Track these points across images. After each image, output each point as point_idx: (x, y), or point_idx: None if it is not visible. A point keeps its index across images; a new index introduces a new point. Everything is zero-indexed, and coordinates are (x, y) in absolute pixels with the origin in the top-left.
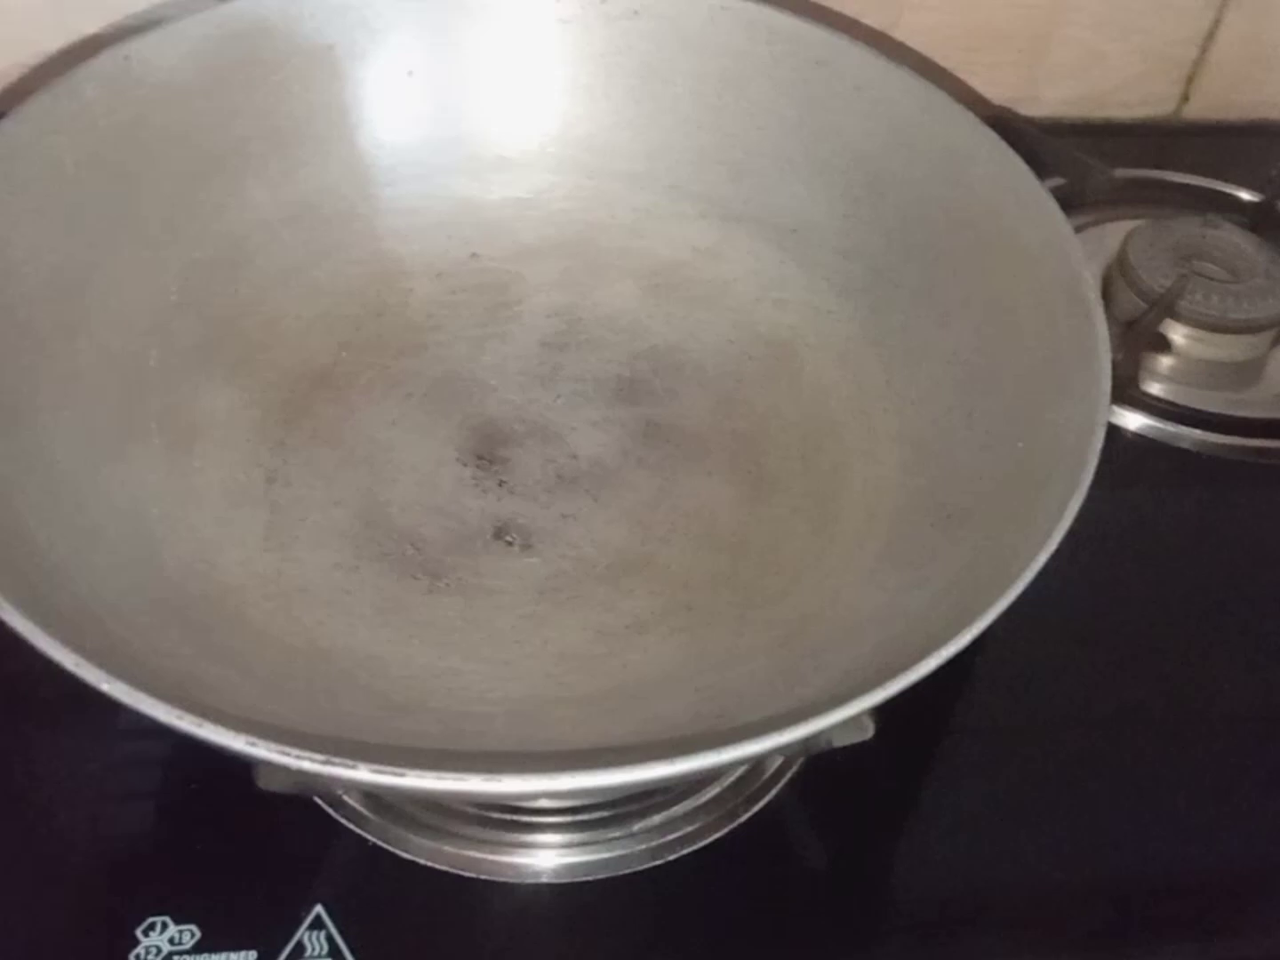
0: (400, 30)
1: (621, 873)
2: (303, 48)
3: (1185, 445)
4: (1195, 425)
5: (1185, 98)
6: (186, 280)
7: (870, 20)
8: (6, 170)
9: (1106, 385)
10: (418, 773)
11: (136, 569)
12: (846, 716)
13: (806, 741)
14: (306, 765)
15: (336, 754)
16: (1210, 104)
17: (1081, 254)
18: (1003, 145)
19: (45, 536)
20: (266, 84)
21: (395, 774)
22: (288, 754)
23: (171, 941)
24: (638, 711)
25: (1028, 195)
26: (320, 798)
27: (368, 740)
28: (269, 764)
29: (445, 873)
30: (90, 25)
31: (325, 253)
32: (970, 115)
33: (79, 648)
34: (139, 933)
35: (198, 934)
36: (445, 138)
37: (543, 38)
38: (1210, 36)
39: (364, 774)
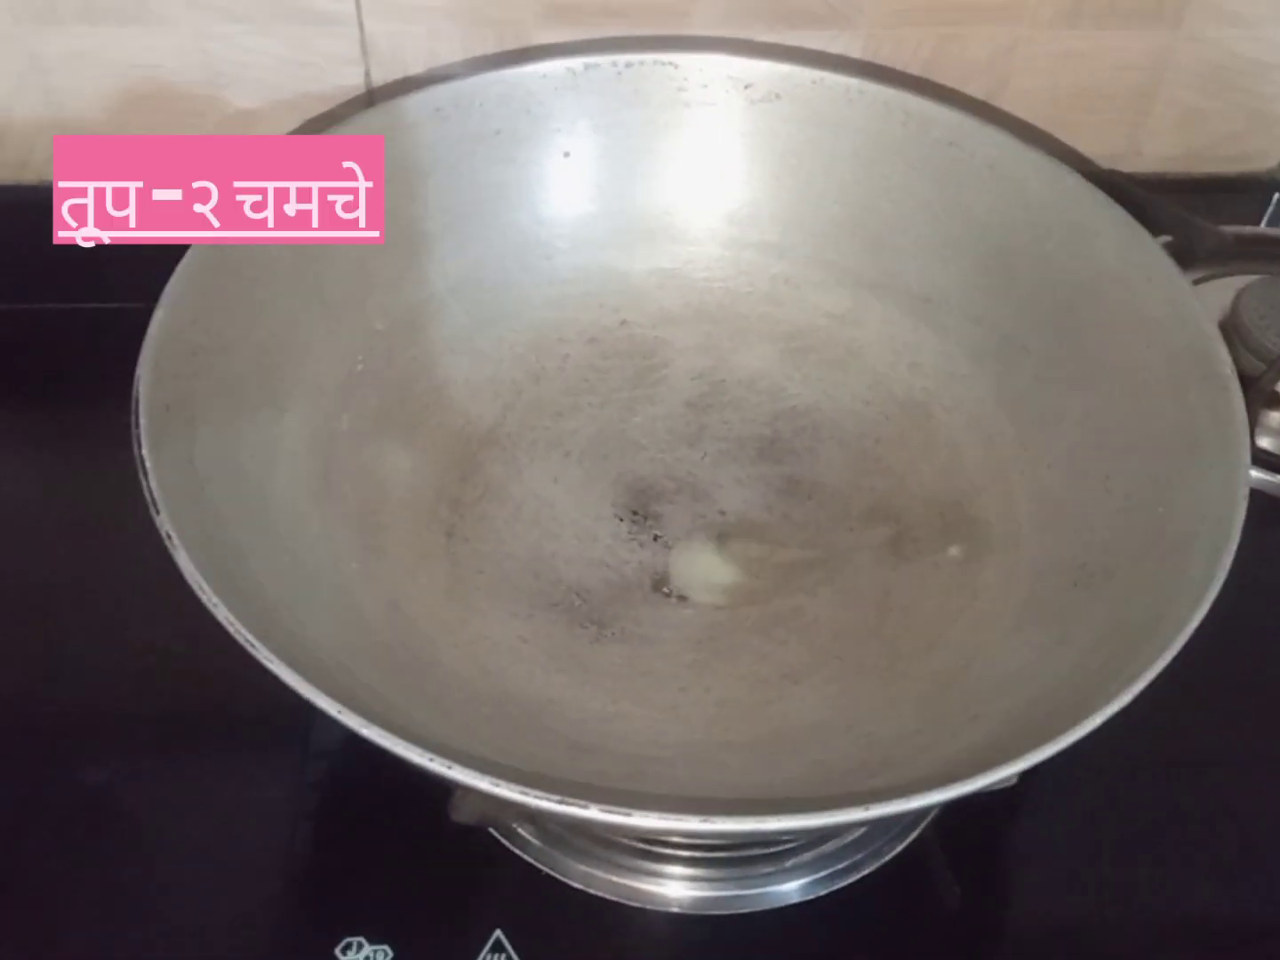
0: (558, 116)
1: (772, 906)
2: (472, 133)
3: None
4: None
5: None
6: (370, 350)
7: (978, 83)
8: (219, 257)
9: (1246, 457)
10: (642, 813)
11: (342, 616)
12: (1012, 773)
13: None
14: (545, 805)
15: (570, 795)
16: None
17: (1214, 328)
18: (1131, 221)
19: (275, 592)
20: (439, 167)
21: (623, 814)
22: (528, 794)
23: None
24: (801, 757)
25: (1156, 269)
26: (496, 829)
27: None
28: (489, 798)
29: (607, 900)
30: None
31: (488, 321)
32: (1099, 192)
33: (337, 696)
34: (337, 951)
35: (390, 954)
36: (597, 213)
37: (688, 121)
38: None
39: (595, 813)
